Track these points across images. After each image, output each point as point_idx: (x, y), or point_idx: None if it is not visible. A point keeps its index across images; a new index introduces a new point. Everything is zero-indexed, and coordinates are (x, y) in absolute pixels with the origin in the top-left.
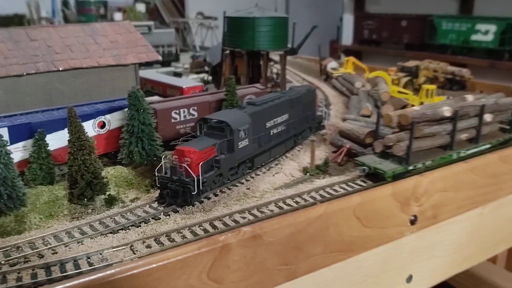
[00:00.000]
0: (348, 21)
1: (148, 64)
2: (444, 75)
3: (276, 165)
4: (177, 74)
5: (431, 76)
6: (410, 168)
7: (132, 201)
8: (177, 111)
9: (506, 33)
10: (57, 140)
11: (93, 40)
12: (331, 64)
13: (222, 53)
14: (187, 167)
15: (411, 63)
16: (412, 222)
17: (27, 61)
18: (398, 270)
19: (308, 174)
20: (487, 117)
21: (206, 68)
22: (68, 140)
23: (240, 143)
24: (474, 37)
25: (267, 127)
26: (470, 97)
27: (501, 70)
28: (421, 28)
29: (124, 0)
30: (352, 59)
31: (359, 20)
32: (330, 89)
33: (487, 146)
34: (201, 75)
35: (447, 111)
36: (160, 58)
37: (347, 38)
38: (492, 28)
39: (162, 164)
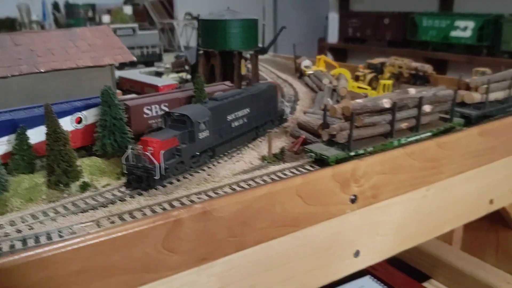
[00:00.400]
0: (334, 19)
1: (132, 65)
2: (409, 71)
3: (238, 154)
4: (159, 74)
5: (396, 72)
6: (352, 154)
7: (103, 186)
8: (149, 107)
9: (484, 29)
10: (38, 135)
11: (73, 44)
12: (305, 63)
13: (196, 53)
14: (150, 156)
15: (376, 60)
16: (353, 201)
17: (12, 64)
18: (345, 245)
19: (266, 161)
20: (426, 107)
21: (187, 68)
22: (45, 133)
23: (200, 134)
24: (454, 34)
25: (228, 120)
26: (412, 90)
27: (479, 66)
28: (403, 25)
29: (113, 2)
30: (323, 57)
31: (344, 19)
32: (302, 86)
33: (428, 134)
34: (181, 74)
35: (386, 103)
36: (134, 59)
37: (333, 36)
38: (470, 24)
39: (129, 153)
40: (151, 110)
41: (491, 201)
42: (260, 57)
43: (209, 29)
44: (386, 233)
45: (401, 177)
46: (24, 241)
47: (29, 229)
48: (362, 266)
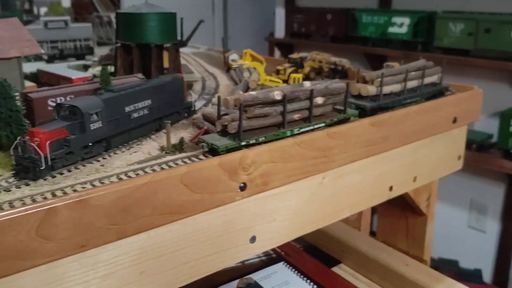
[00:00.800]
0: (280, 14)
1: (63, 58)
2: (328, 65)
3: (137, 145)
4: (86, 67)
5: (316, 67)
6: (243, 143)
7: None
8: (54, 100)
9: (418, 25)
10: None
11: None
12: (232, 56)
13: (115, 46)
14: (35, 146)
15: (296, 55)
16: (242, 189)
17: None
18: (240, 231)
19: (164, 152)
20: (318, 99)
21: None
22: None
23: (92, 125)
24: (391, 30)
25: (126, 111)
26: (307, 83)
27: (414, 61)
28: (344, 21)
29: None
30: (249, 51)
31: (290, 14)
32: (226, 79)
33: (322, 125)
34: (106, 68)
35: (277, 95)
36: (42, 51)
37: (280, 32)
38: (406, 21)
39: (17, 144)
40: (56, 102)
41: (390, 188)
42: (194, 50)
43: (126, 23)
44: (283, 218)
45: (292, 166)
46: None
47: None
48: (259, 251)
